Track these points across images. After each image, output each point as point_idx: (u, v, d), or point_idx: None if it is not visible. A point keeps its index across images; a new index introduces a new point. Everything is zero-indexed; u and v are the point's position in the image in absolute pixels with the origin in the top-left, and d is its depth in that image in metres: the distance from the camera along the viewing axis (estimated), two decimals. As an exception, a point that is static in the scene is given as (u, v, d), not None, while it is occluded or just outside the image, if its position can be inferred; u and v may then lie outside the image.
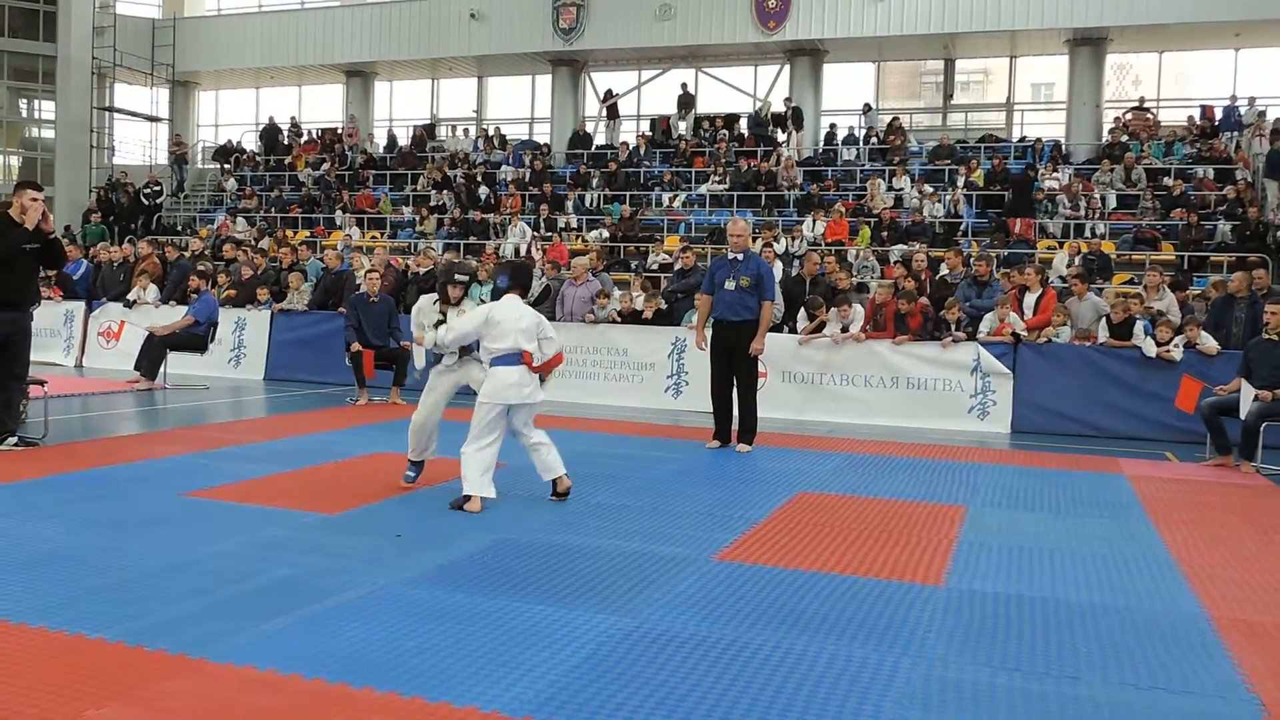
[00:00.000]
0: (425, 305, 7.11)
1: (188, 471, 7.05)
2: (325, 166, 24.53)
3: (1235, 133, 19.48)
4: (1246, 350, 9.25)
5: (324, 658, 3.65)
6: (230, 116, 29.88)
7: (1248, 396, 8.72)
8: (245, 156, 26.38)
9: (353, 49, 25.71)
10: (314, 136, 26.48)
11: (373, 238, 21.06)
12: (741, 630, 4.12)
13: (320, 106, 28.58)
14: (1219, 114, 20.03)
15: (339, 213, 22.43)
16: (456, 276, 6.99)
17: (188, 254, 16.13)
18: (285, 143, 26.29)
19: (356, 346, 11.22)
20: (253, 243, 19.10)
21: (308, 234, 21.27)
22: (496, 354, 6.26)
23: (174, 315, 13.14)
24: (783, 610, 4.40)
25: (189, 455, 7.73)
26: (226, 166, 26.25)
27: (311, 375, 13.12)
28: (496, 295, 6.57)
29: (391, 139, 26.01)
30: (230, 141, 27.61)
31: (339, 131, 26.25)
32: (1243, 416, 8.74)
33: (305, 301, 13.77)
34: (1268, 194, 15.86)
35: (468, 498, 6.12)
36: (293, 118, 27.47)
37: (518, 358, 6.24)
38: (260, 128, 27.41)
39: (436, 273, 7.09)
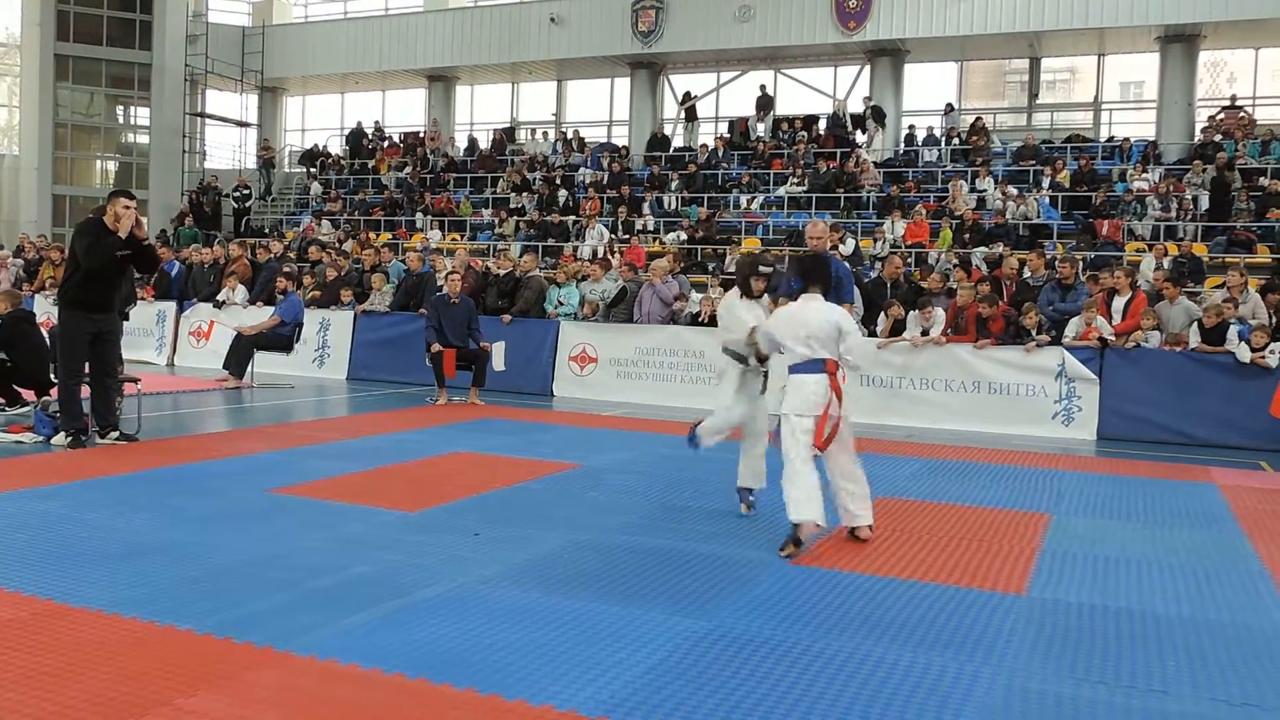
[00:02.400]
0: (735, 301, 6.37)
1: (274, 468, 7.24)
2: (407, 170, 24.95)
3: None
4: (1349, 357, 8.90)
5: (404, 653, 3.71)
6: (316, 121, 30.57)
7: (1349, 405, 8.38)
8: (330, 160, 26.95)
9: (435, 53, 26.13)
10: (397, 141, 26.94)
11: (453, 240, 21.35)
12: (818, 635, 4.09)
13: (403, 111, 29.06)
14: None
15: (420, 215, 22.79)
16: (760, 268, 6.34)
17: (275, 255, 16.53)
18: (369, 147, 26.80)
19: (437, 347, 11.39)
20: (336, 245, 19.51)
21: (390, 236, 21.64)
22: (793, 361, 5.57)
23: (261, 316, 13.48)
24: (860, 616, 4.36)
25: (275, 452, 7.94)
26: (312, 170, 26.86)
27: (393, 375, 13.35)
28: (793, 296, 5.88)
29: (472, 142, 26.34)
30: (316, 146, 28.25)
31: (421, 135, 26.65)
32: (1344, 425, 8.41)
33: (387, 303, 14.02)
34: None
35: (796, 526, 5.35)
36: (376, 122, 27.98)
37: (820, 365, 5.50)
38: (345, 132, 27.99)
39: (737, 265, 6.68)
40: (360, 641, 3.82)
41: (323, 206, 24.39)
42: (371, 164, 25.96)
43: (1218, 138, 19.22)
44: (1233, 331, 10.33)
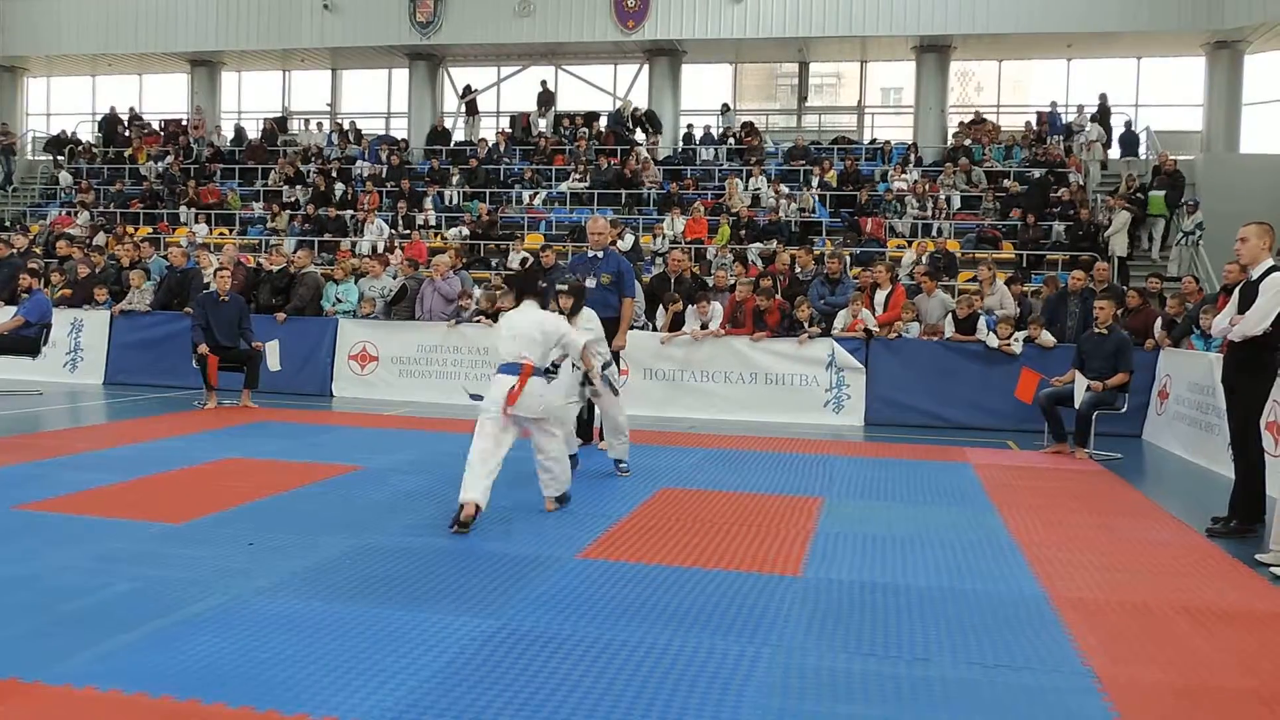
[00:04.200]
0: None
1: (20, 482, 6.63)
2: (169, 160, 23.48)
3: (1061, 137, 20.60)
4: (1079, 343, 9.81)
5: (171, 674, 3.49)
6: (64, 105, 28.21)
7: (1081, 387, 9.24)
8: (81, 148, 25.01)
9: (198, 36, 24.60)
10: (156, 128, 25.29)
11: (221, 234, 20.26)
12: (605, 627, 4.13)
13: (163, 97, 27.30)
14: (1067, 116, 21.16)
15: (184, 208, 21.48)
16: (559, 286, 7.04)
17: (18, 251, 15.17)
18: (125, 134, 25.03)
19: (203, 348, 10.78)
20: (88, 239, 18.12)
21: (150, 230, 20.30)
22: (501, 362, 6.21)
23: (2, 316, 12.34)
24: (646, 606, 4.44)
25: (21, 465, 7.28)
26: (60, 158, 24.81)
27: (156, 379, 12.54)
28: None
29: (240, 132, 25.07)
30: (64, 132, 26.07)
31: (184, 123, 25.14)
32: (1077, 406, 9.26)
33: (147, 301, 13.14)
34: (1113, 219, 16.82)
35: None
36: (132, 108, 26.16)
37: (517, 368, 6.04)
38: (98, 118, 26.00)
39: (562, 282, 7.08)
40: (122, 665, 3.56)
41: (74, 198, 22.59)
42: (128, 153, 24.24)
43: (967, 142, 20.76)
44: (982, 322, 11.19)
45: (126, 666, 3.55)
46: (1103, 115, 20.48)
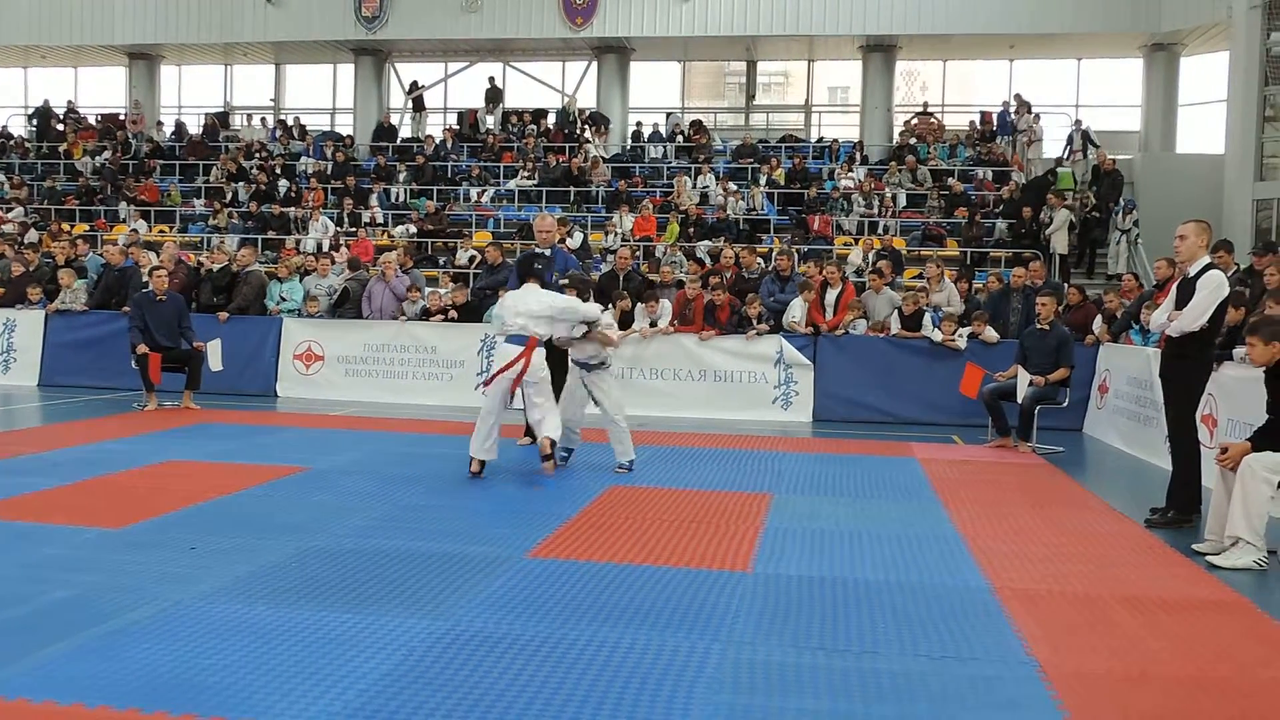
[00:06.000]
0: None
1: (-50, 487, 6.45)
2: (106, 155, 22.96)
3: (1009, 136, 20.92)
4: (1021, 339, 9.97)
5: (110, 684, 3.41)
6: (-6, 99, 27.53)
7: (1023, 382, 9.38)
8: (12, 143, 24.37)
9: (135, 30, 24.05)
10: (93, 123, 24.72)
11: (161, 232, 19.86)
12: (555, 626, 4.11)
13: (100, 90, 26.69)
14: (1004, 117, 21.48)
15: (122, 205, 21.03)
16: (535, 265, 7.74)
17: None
18: (60, 128, 24.44)
19: (143, 348, 10.55)
20: (20, 236, 17.66)
21: (87, 227, 19.84)
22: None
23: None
24: (596, 604, 4.42)
25: (-49, 469, 7.08)
26: (-10, 153, 24.18)
27: (94, 380, 12.24)
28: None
29: (180, 127, 24.59)
30: (-5, 126, 25.44)
31: (121, 118, 24.59)
32: (1020, 401, 9.40)
33: (83, 300, 12.84)
34: (1054, 217, 17.12)
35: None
36: (69, 101, 25.54)
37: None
38: (30, 111, 25.33)
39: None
40: (57, 675, 3.47)
41: (4, 194, 22.00)
42: (63, 147, 23.67)
43: (913, 140, 20.99)
44: (927, 318, 11.32)
45: (61, 677, 3.46)
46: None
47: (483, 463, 7.17)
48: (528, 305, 7.13)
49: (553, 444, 7.12)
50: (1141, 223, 17.31)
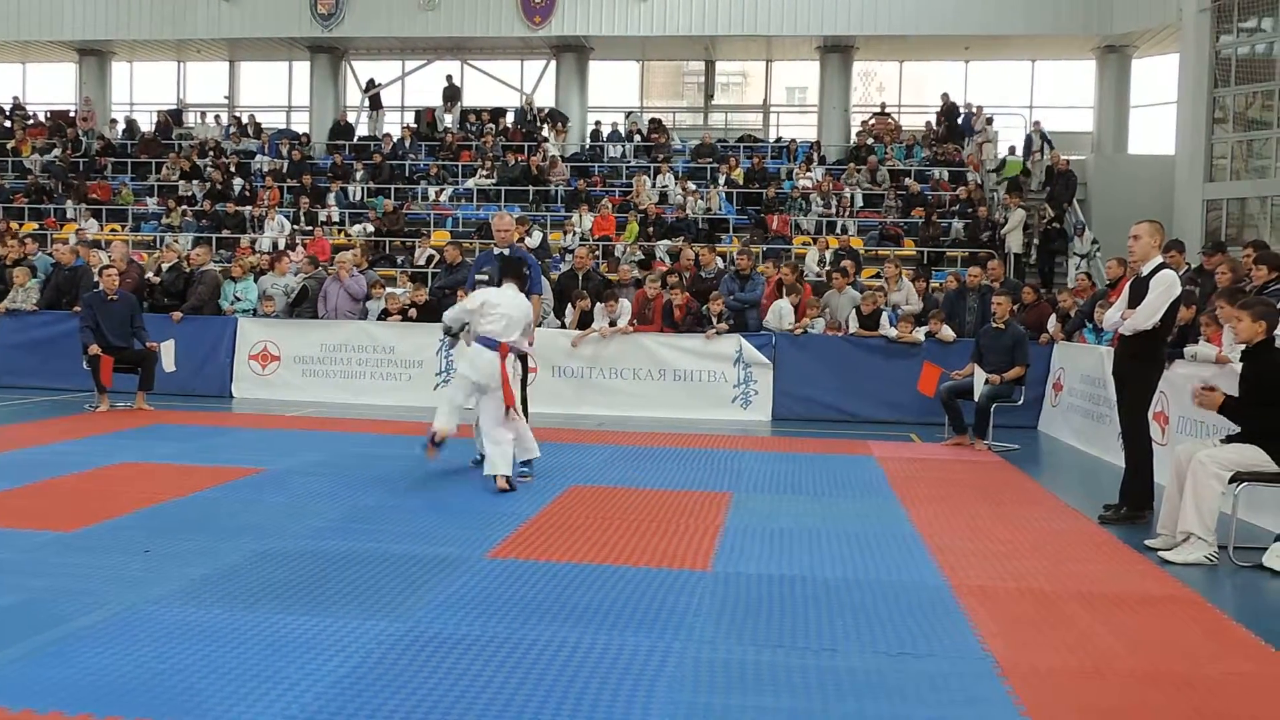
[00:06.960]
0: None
1: (-106, 491, 6.31)
2: (56, 153, 22.54)
3: (967, 137, 21.15)
4: (977, 338, 10.07)
5: (61, 689, 3.35)
6: (-62, 95, 26.92)
7: (979, 380, 9.48)
8: (-42, 140, 23.88)
9: (85, 25, 23.63)
10: (42, 120, 24.26)
11: (113, 230, 19.54)
12: (514, 627, 4.10)
13: (48, 87, 26.19)
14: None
15: (71, 203, 20.65)
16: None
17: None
18: (7, 125, 23.95)
19: (94, 349, 10.37)
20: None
21: (36, 226, 19.47)
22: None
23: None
24: (556, 604, 4.41)
25: (-105, 473, 6.92)
26: (-65, 150, 23.65)
27: (45, 381, 11.99)
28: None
29: (132, 124, 24.20)
30: (-60, 123, 24.88)
31: (71, 115, 24.15)
32: (976, 399, 9.50)
33: (33, 300, 12.60)
34: (1009, 217, 17.30)
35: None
36: (15, 98, 25.05)
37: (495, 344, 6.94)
38: (-24, 109, 24.86)
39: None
40: (8, 680, 3.41)
41: (-50, 192, 21.53)
42: (10, 145, 23.21)
43: (870, 141, 21.16)
44: (885, 317, 11.41)
45: (10, 682, 3.39)
46: (949, 114, 21.20)
47: (444, 438, 6.87)
48: (511, 309, 7.02)
49: (442, 437, 6.92)
50: (1094, 223, 17.54)
